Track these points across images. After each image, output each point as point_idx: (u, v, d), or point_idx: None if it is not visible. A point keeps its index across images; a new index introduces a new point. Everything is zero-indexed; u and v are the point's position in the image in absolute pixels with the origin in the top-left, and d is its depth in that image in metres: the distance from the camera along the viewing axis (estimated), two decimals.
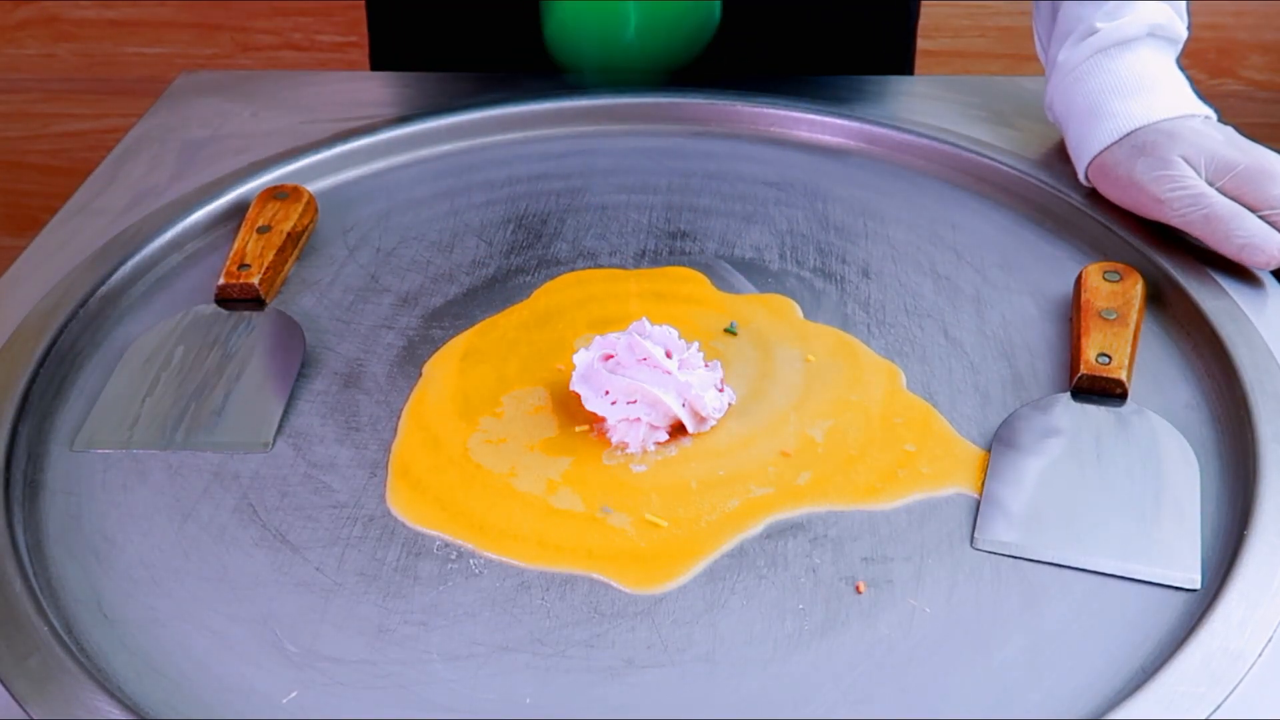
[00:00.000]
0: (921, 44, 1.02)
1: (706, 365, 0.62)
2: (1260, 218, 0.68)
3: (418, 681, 0.49)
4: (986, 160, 0.79)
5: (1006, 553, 0.54)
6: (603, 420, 0.60)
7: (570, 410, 0.61)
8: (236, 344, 0.66)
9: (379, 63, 1.00)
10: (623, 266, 0.73)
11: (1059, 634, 0.51)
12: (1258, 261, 0.67)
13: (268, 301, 0.69)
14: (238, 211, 0.76)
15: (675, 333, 0.62)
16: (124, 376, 0.64)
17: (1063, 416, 0.61)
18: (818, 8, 0.93)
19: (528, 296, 0.70)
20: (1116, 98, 0.73)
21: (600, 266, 0.73)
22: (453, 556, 0.55)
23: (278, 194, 0.75)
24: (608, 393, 0.59)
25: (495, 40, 0.94)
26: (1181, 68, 0.76)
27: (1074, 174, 0.76)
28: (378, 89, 0.92)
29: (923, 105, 0.87)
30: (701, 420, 0.60)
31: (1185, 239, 0.70)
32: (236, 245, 0.71)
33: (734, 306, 0.69)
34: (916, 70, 1.02)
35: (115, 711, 0.46)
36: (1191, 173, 0.69)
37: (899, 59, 1.00)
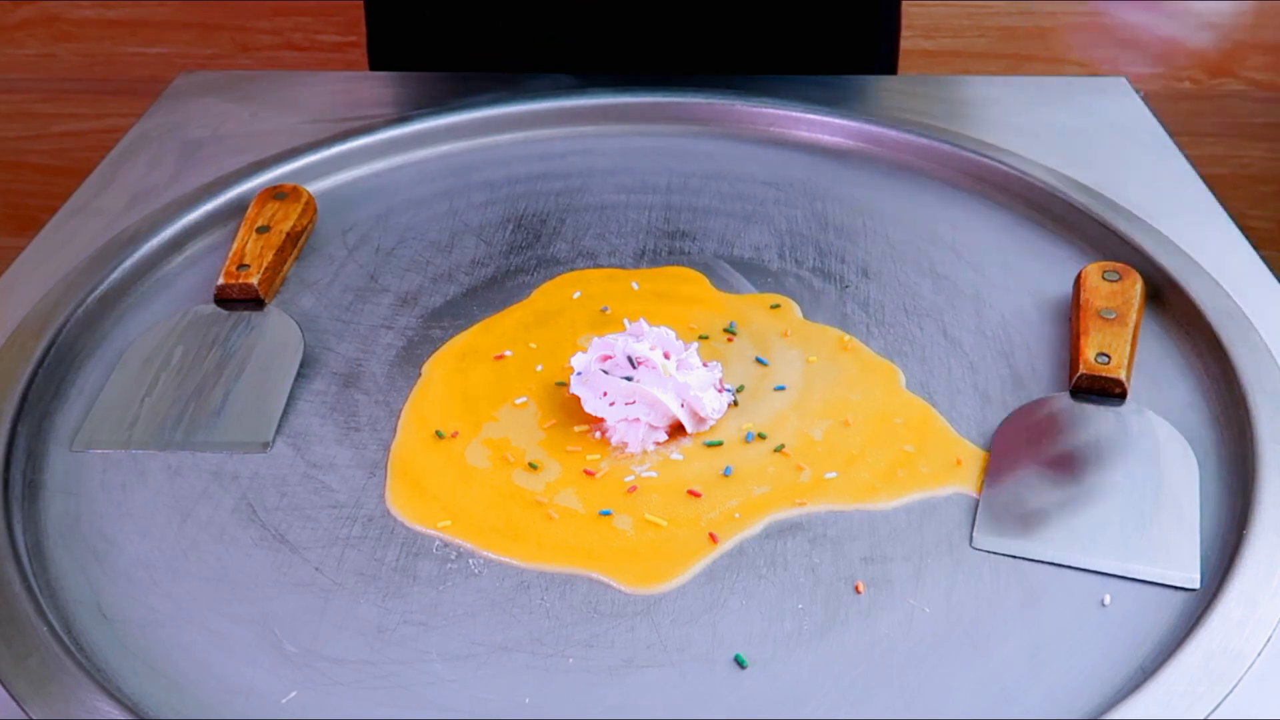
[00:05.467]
0: (922, 44, 1.02)
1: (706, 365, 0.62)
2: None
3: (417, 681, 0.49)
4: (986, 160, 0.79)
5: (1006, 553, 0.54)
6: (602, 421, 0.60)
7: (570, 410, 0.61)
8: (236, 344, 0.66)
9: (378, 62, 1.00)
10: (623, 266, 0.73)
11: (1059, 634, 0.51)
12: None
13: (267, 301, 0.69)
14: (237, 211, 0.76)
15: (672, 333, 0.62)
16: (123, 376, 0.64)
17: (1062, 416, 0.61)
18: (798, 6, 0.93)
19: (527, 296, 0.70)
20: None
21: (600, 266, 0.73)
22: (452, 556, 0.54)
23: (277, 194, 0.75)
24: (606, 394, 0.59)
25: (494, 39, 0.94)
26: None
27: (1074, 174, 0.76)
28: (378, 89, 0.92)
29: (922, 105, 0.87)
30: (700, 420, 0.60)
31: (1184, 239, 0.70)
32: (236, 245, 0.71)
33: (734, 306, 0.69)
34: (917, 71, 1.02)
35: (115, 711, 0.46)
36: None
37: (884, 57, 0.99)
